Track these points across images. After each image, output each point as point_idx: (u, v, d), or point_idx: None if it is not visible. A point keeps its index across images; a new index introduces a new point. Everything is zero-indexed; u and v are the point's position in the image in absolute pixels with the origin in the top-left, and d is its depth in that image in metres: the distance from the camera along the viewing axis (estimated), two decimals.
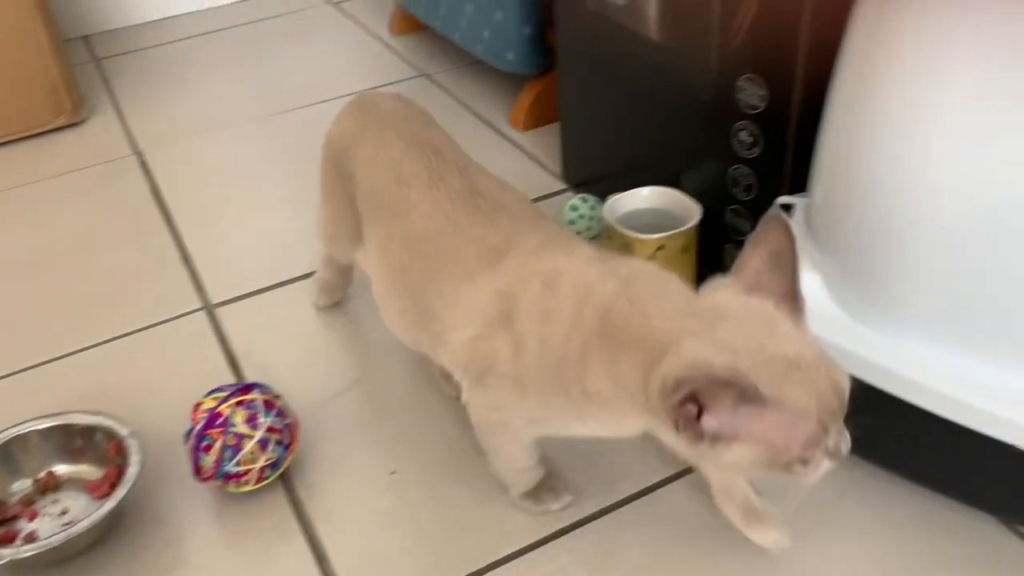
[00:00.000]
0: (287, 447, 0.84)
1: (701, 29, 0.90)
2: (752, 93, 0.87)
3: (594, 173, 1.22)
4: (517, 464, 0.80)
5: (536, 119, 1.40)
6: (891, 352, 0.73)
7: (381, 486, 0.86)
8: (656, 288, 0.64)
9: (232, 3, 1.97)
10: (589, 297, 0.65)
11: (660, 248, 0.97)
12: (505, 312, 0.69)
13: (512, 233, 0.73)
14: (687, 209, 1.00)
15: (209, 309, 1.10)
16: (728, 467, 0.61)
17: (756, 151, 0.90)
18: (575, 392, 0.66)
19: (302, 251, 1.17)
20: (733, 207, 0.96)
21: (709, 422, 0.56)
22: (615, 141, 1.14)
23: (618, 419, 0.66)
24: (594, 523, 0.81)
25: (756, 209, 0.93)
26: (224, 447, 0.81)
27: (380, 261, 0.83)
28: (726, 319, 0.58)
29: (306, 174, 1.09)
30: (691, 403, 0.56)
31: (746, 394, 0.54)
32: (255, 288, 1.13)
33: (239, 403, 0.82)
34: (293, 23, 1.87)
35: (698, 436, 0.57)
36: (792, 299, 0.60)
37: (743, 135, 0.90)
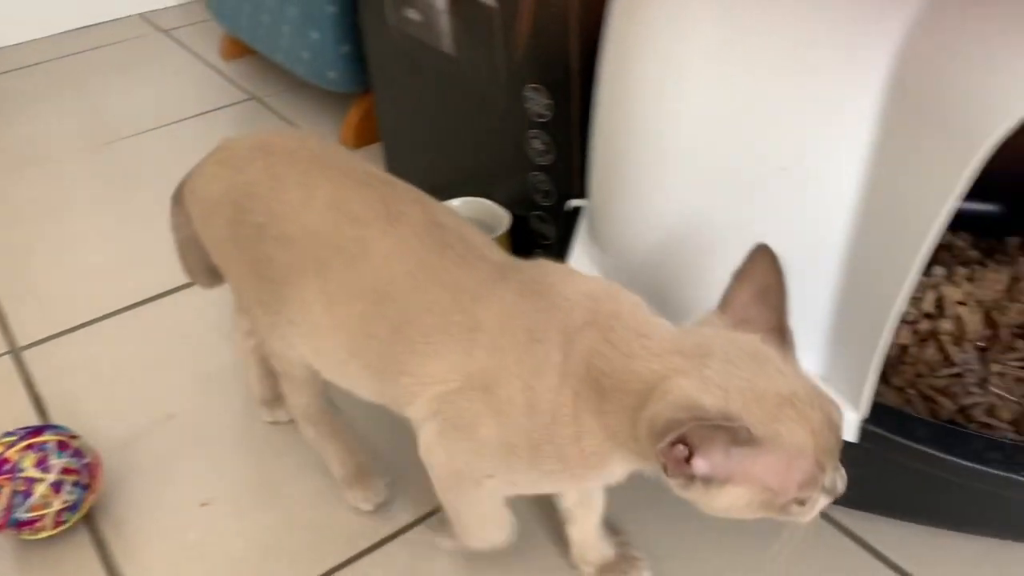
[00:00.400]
0: (87, 487, 0.81)
1: (487, 42, 0.93)
2: (538, 102, 0.90)
3: (420, 187, 1.23)
4: (489, 520, 0.73)
5: (365, 137, 1.40)
6: None
7: (191, 519, 0.84)
8: (640, 327, 0.59)
9: (55, 34, 1.90)
10: (573, 345, 0.60)
11: None
12: (488, 370, 0.63)
13: (487, 276, 0.65)
14: (497, 218, 1.02)
15: (15, 352, 1.06)
16: (723, 511, 0.56)
17: (549, 158, 0.93)
18: (572, 457, 0.61)
19: (119, 284, 1.14)
20: (537, 213, 0.99)
21: (700, 465, 0.53)
22: (433, 154, 1.16)
23: (608, 474, 0.63)
24: (407, 534, 0.82)
25: (557, 213, 0.96)
26: (13, 493, 0.77)
27: (331, 316, 0.70)
28: (714, 356, 0.55)
29: (132, 203, 1.06)
30: (681, 445, 0.53)
31: (738, 437, 0.52)
32: (67, 327, 1.09)
33: (28, 446, 0.79)
34: (122, 52, 1.82)
35: (688, 479, 0.54)
36: (780, 333, 0.58)
37: (536, 143, 0.93)
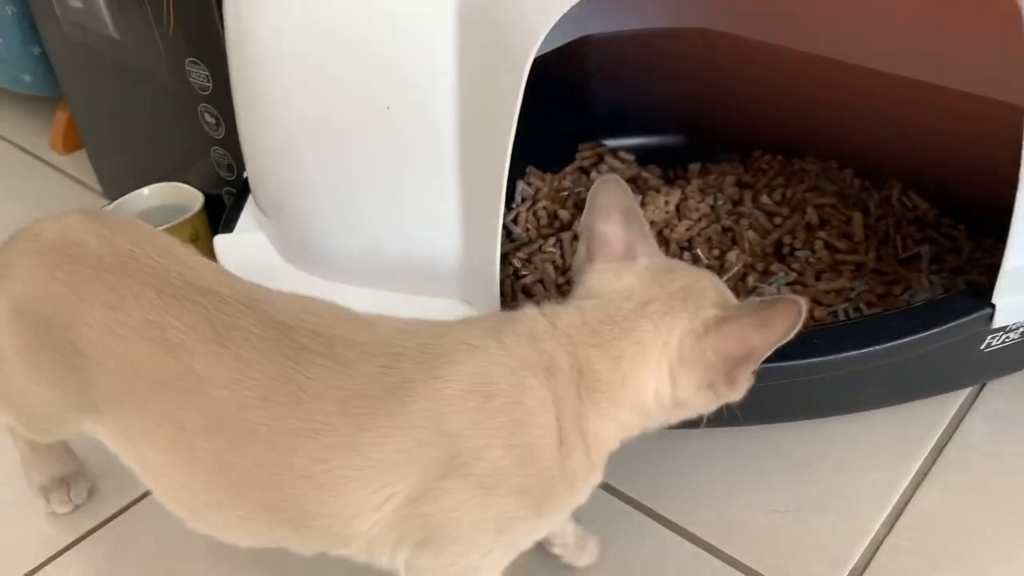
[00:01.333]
0: None
1: (143, 21, 0.91)
2: (200, 75, 0.90)
3: (129, 182, 1.20)
4: None
5: (75, 141, 1.34)
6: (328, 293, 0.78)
7: None
8: (593, 317, 0.57)
9: None
10: (554, 372, 0.55)
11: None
12: (444, 456, 0.54)
13: (371, 361, 0.55)
14: (191, 198, 1.01)
15: None
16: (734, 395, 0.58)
17: (222, 131, 0.93)
18: (580, 477, 0.57)
19: None
20: (227, 188, 0.99)
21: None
22: (126, 145, 1.13)
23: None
24: (110, 524, 0.80)
25: (246, 186, 0.96)
26: None
27: (169, 463, 0.58)
28: (678, 274, 0.58)
29: None
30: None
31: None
32: None
33: None
34: None
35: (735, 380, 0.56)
36: (647, 240, 0.61)
37: (207, 117, 0.93)
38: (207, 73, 0.88)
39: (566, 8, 0.55)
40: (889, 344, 0.69)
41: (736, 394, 0.58)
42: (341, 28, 0.67)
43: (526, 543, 0.61)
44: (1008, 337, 0.77)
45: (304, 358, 0.55)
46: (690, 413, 0.59)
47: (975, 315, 0.70)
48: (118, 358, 0.58)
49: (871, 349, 0.69)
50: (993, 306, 0.70)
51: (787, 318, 0.53)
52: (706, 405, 0.58)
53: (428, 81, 0.65)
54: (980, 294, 0.71)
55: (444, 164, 0.68)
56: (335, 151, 0.71)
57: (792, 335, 0.53)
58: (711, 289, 0.58)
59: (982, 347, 0.77)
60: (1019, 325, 0.76)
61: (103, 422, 0.61)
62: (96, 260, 0.60)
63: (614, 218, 0.60)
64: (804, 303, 0.52)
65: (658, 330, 0.55)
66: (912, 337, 0.69)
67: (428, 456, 0.54)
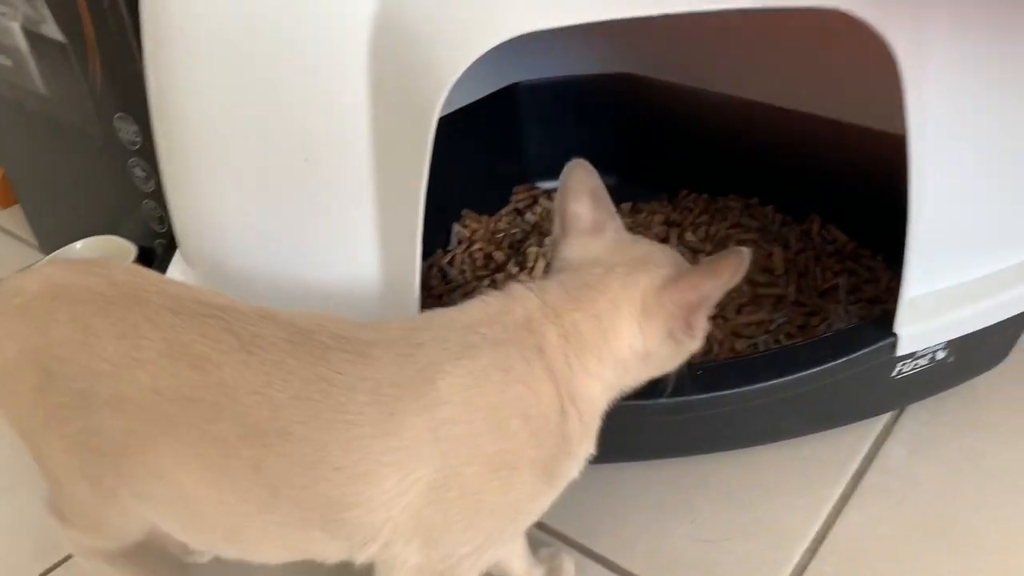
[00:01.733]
0: None
1: (70, 77, 0.92)
2: (129, 130, 0.91)
3: (64, 236, 1.20)
4: None
5: (11, 196, 1.34)
6: None
7: None
8: (572, 285, 0.63)
9: None
10: (544, 345, 0.60)
11: None
12: (468, 435, 0.57)
13: (394, 351, 0.58)
14: (125, 251, 1.02)
15: None
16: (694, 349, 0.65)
17: (152, 184, 0.94)
18: (575, 442, 0.62)
19: None
20: (160, 240, 1.00)
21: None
22: (63, 199, 1.13)
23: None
24: None
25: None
26: None
27: (203, 481, 0.58)
28: (640, 244, 0.66)
29: None
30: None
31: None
32: None
33: None
34: None
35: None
36: (613, 219, 0.68)
37: (138, 171, 0.94)
38: (136, 128, 0.90)
39: (466, 66, 0.57)
40: (798, 375, 0.72)
41: (694, 341, 0.64)
42: (259, 84, 0.69)
43: (511, 535, 0.66)
44: (918, 364, 0.80)
45: (331, 356, 0.57)
46: (656, 368, 0.65)
47: (879, 344, 0.73)
48: (140, 385, 0.57)
49: (782, 380, 0.72)
50: (896, 335, 0.73)
51: (732, 265, 0.59)
52: (670, 356, 0.65)
53: (343, 134, 0.67)
54: (884, 324, 0.74)
55: (362, 213, 0.70)
56: (255, 204, 0.72)
57: (738, 279, 0.60)
58: (668, 255, 0.66)
59: (893, 375, 0.80)
60: (928, 352, 0.79)
61: (127, 482, 0.60)
62: (98, 296, 0.59)
63: (583, 198, 0.67)
64: (748, 252, 0.59)
65: (625, 287, 0.62)
66: (820, 367, 0.72)
67: (454, 435, 0.56)
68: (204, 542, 0.64)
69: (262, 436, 0.56)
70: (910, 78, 0.62)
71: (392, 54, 0.63)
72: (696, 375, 0.73)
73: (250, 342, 0.57)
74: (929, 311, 0.74)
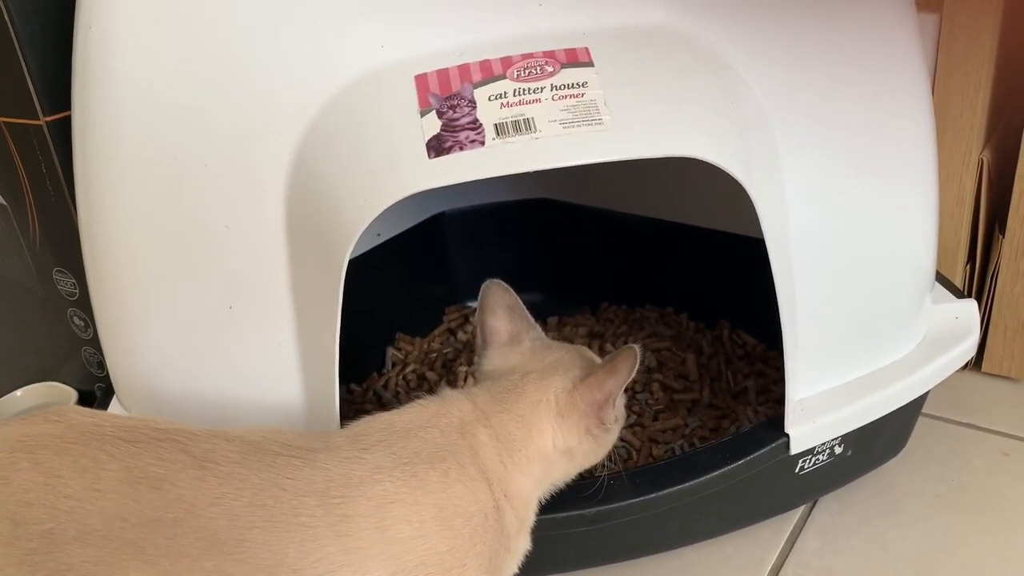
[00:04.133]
0: None
1: (11, 236, 0.98)
2: (67, 282, 0.96)
3: (4, 384, 1.22)
4: None
5: None
6: None
7: None
8: (497, 391, 0.71)
9: None
10: (479, 452, 0.66)
11: None
12: (417, 537, 0.61)
13: (341, 456, 0.63)
14: (64, 396, 1.05)
15: None
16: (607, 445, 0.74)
17: (91, 332, 0.98)
18: (513, 538, 0.67)
19: None
20: (99, 384, 1.03)
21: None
22: (3, 349, 1.16)
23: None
24: None
25: None
26: None
27: None
28: (552, 350, 0.75)
29: None
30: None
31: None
32: None
33: None
34: None
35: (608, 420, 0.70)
36: (532, 328, 0.77)
37: (76, 320, 0.99)
38: (73, 280, 0.95)
39: (369, 220, 0.64)
40: (701, 479, 0.77)
41: (609, 434, 0.73)
42: (184, 238, 0.74)
43: None
44: (818, 460, 0.86)
45: (279, 462, 0.61)
46: (582, 462, 0.73)
47: (772, 445, 0.79)
48: (105, 514, 0.59)
49: (686, 484, 0.77)
50: (787, 435, 0.79)
51: (627, 361, 0.67)
52: (593, 450, 0.73)
53: (263, 282, 0.73)
54: (777, 425, 0.80)
55: (284, 351, 0.75)
56: (185, 347, 0.77)
57: (634, 373, 0.68)
58: (578, 358, 0.74)
59: (796, 471, 0.85)
60: (825, 447, 0.85)
61: None
62: (56, 439, 0.62)
63: (499, 313, 0.76)
64: (638, 349, 0.68)
65: (540, 390, 0.70)
66: (720, 470, 0.77)
67: (404, 537, 0.60)
68: None
69: (221, 546, 0.58)
70: (765, 212, 0.71)
71: (305, 212, 0.70)
72: (610, 483, 0.78)
73: (203, 458, 0.60)
74: (816, 410, 0.80)
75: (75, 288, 0.95)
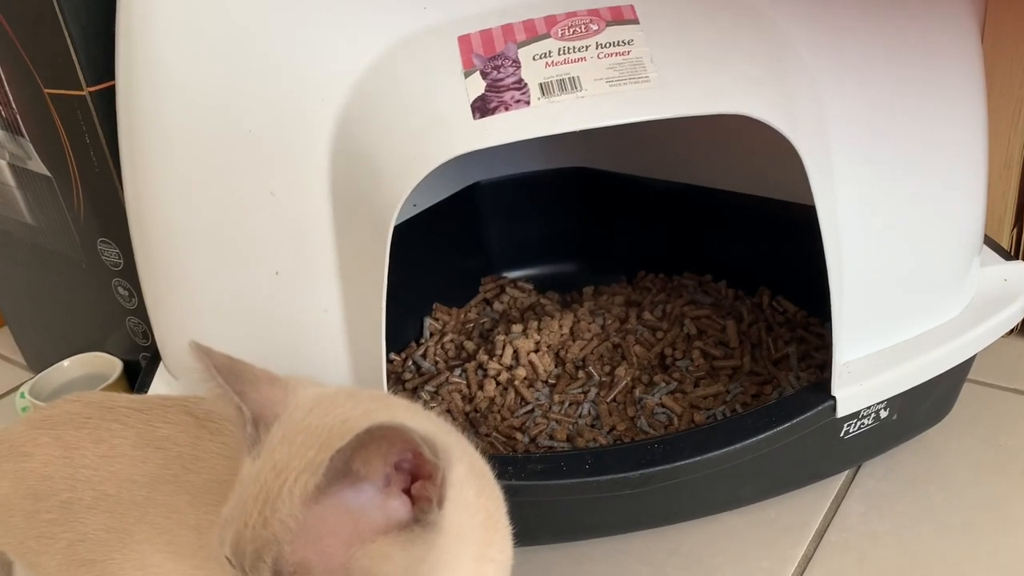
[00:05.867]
0: None
1: (55, 207, 0.99)
2: (111, 253, 0.97)
3: (51, 355, 1.24)
4: None
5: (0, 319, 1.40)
6: None
7: None
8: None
9: None
10: None
11: None
12: None
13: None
14: (110, 366, 1.06)
15: None
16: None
17: (135, 301, 0.99)
18: None
19: None
20: (144, 354, 1.04)
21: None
22: (50, 320, 1.18)
23: None
24: None
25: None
26: None
27: (169, 558, 0.62)
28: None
29: None
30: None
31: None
32: None
33: None
34: None
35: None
36: None
37: (121, 290, 1.00)
38: (118, 251, 0.96)
39: (414, 185, 0.64)
40: (746, 442, 0.76)
41: None
42: (231, 206, 0.75)
43: None
44: (863, 424, 0.85)
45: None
46: None
47: (818, 408, 0.78)
48: (118, 477, 0.62)
49: (731, 448, 0.76)
50: (834, 398, 0.79)
51: None
52: None
53: (309, 248, 0.73)
54: (823, 389, 0.79)
55: (330, 317, 0.75)
56: (230, 314, 0.78)
57: None
58: None
59: (842, 435, 0.85)
60: (871, 411, 0.84)
61: None
62: (75, 415, 0.66)
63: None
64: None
65: None
66: (766, 433, 0.77)
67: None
68: None
69: (204, 502, 0.60)
70: (813, 169, 0.70)
71: (349, 177, 0.70)
72: (654, 448, 0.78)
73: (204, 418, 0.63)
74: (863, 373, 0.79)
75: (119, 258, 0.96)
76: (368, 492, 0.46)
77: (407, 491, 0.47)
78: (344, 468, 0.45)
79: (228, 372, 0.51)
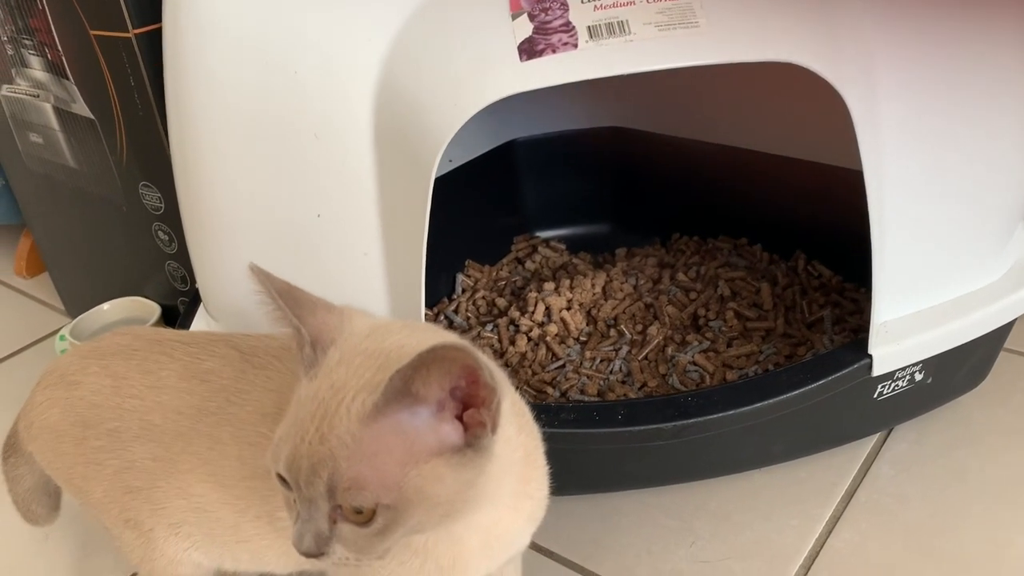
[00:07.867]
0: None
1: (98, 151, 1.00)
2: (152, 197, 0.98)
3: (90, 299, 1.27)
4: None
5: (38, 265, 1.41)
6: None
7: None
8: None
9: None
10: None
11: None
12: None
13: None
14: (148, 311, 1.08)
15: None
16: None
17: (175, 246, 1.00)
18: None
19: None
20: (182, 299, 1.06)
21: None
22: (89, 265, 1.20)
23: None
24: None
25: (197, 296, 1.03)
26: None
27: (212, 486, 0.63)
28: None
29: None
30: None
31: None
32: None
33: None
34: None
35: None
36: None
37: (161, 234, 1.01)
38: (159, 195, 0.97)
39: (457, 128, 0.64)
40: (781, 397, 0.76)
41: None
42: (274, 150, 0.76)
43: None
44: (898, 385, 0.85)
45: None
46: None
47: (855, 366, 0.78)
48: (164, 408, 0.64)
49: (765, 403, 0.76)
50: (870, 356, 0.78)
51: None
52: None
53: (351, 193, 0.74)
54: (860, 347, 0.79)
55: (370, 263, 0.76)
56: (272, 257, 0.78)
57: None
58: None
59: (875, 396, 0.84)
60: (906, 373, 0.84)
61: (160, 514, 0.65)
62: (124, 347, 0.68)
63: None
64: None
65: None
66: (801, 389, 0.77)
67: None
68: (228, 557, 0.67)
69: (247, 435, 0.61)
70: (861, 121, 0.69)
71: (393, 120, 0.70)
72: (687, 401, 0.78)
73: (249, 352, 0.64)
74: (900, 333, 0.79)
75: (160, 202, 0.97)
76: (423, 415, 0.47)
77: (459, 418, 0.48)
78: (403, 388, 0.46)
79: (288, 296, 0.52)
